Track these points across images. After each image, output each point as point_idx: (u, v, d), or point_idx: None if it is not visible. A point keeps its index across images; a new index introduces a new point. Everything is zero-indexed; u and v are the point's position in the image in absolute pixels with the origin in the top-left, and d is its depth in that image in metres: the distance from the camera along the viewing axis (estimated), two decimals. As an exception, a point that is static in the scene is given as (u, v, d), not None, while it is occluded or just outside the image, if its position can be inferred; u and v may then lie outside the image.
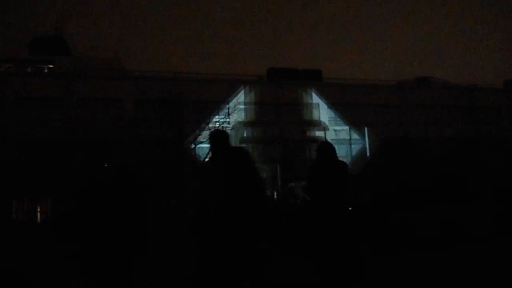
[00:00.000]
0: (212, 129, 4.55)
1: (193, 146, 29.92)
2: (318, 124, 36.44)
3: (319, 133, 35.93)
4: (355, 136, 36.78)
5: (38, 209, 28.82)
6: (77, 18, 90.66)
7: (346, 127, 36.82)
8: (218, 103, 32.58)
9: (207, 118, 30.28)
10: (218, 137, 4.54)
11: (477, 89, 41.23)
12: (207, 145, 30.09)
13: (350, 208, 6.01)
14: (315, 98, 36.97)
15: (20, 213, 28.16)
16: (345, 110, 37.22)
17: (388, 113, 38.09)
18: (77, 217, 6.24)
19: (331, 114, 37.21)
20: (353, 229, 5.66)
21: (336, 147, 6.07)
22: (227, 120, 32.64)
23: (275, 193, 32.77)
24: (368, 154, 35.24)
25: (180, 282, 6.49)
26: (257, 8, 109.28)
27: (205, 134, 30.14)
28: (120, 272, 5.82)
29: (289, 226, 8.82)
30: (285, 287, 5.82)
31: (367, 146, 35.80)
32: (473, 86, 41.47)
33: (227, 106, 33.48)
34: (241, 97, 34.94)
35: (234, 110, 32.97)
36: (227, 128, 31.50)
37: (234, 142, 33.28)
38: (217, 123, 30.95)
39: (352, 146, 36.58)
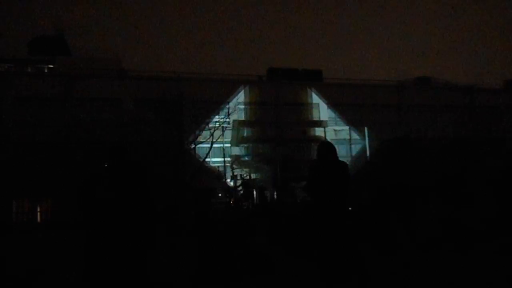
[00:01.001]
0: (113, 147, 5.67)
1: (193, 146, 29.92)
2: (318, 124, 36.41)
3: (319, 133, 35.89)
4: (355, 136, 36.74)
5: (38, 209, 28.82)
6: (77, 18, 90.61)
7: (346, 127, 36.77)
8: (218, 103, 32.54)
9: (207, 118, 30.28)
10: (116, 153, 5.43)
11: (477, 89, 41.22)
12: (207, 145, 30.27)
13: (350, 208, 6.01)
14: (315, 98, 36.96)
15: (20, 213, 28.17)
16: (345, 110, 37.24)
17: (388, 113, 38.09)
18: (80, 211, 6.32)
19: (331, 114, 37.21)
20: (353, 229, 5.66)
21: (336, 147, 6.07)
22: (227, 120, 32.58)
23: (274, 193, 32.83)
24: (368, 154, 35.17)
25: (180, 281, 6.50)
26: (258, 8, 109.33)
27: (205, 134, 30.17)
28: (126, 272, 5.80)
29: (290, 227, 8.83)
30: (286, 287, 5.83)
31: (367, 146, 35.71)
32: (473, 86, 41.47)
33: (227, 106, 33.44)
34: (241, 97, 34.87)
35: (234, 110, 32.92)
36: (227, 128, 31.47)
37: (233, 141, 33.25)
38: (217, 123, 30.93)
39: (352, 146, 36.55)
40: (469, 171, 22.78)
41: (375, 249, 7.51)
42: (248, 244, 7.27)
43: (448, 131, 37.25)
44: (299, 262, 7.06)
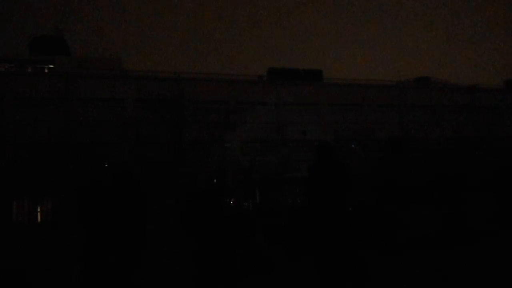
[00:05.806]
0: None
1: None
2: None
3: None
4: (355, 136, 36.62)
5: (38, 209, 28.81)
6: (77, 18, 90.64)
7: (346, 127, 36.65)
8: (218, 103, 32.49)
9: (207, 118, 30.27)
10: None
11: (477, 89, 41.21)
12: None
13: (350, 209, 6.00)
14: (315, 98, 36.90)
15: (20, 213, 28.15)
16: (345, 110, 37.23)
17: (388, 113, 38.06)
18: (79, 217, 6.67)
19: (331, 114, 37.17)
20: (353, 230, 5.65)
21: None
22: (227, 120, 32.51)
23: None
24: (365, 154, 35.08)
25: (179, 280, 6.50)
26: (258, 8, 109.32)
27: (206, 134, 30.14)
28: (121, 271, 5.83)
29: (290, 227, 8.83)
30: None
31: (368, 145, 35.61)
32: (473, 86, 41.46)
33: (227, 106, 33.36)
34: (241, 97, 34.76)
35: (234, 110, 32.85)
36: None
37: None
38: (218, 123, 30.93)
39: (352, 146, 36.43)
40: (469, 171, 22.74)
41: (375, 249, 7.51)
42: (248, 244, 7.27)
43: (448, 131, 37.30)
44: (298, 262, 7.06)
